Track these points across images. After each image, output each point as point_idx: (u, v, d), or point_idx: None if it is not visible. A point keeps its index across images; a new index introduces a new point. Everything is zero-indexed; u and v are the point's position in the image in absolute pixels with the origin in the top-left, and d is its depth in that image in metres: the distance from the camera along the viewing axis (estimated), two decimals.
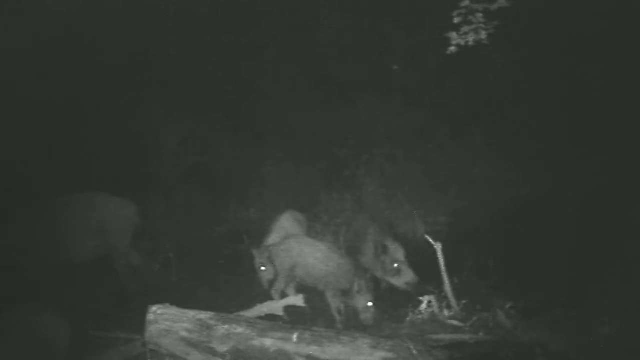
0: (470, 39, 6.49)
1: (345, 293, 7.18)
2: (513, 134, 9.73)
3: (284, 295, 7.37)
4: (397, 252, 7.76)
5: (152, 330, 5.71)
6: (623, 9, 8.57)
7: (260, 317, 6.33)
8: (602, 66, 9.15)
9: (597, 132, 9.08)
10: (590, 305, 7.02)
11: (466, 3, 6.41)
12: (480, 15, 6.41)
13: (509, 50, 9.30)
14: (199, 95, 10.38)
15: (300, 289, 7.46)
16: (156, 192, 9.48)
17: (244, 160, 10.41)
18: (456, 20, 6.49)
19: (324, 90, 10.71)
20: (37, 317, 5.46)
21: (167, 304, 5.86)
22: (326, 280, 7.25)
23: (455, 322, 6.79)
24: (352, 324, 7.08)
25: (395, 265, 7.70)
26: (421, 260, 7.69)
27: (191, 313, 5.78)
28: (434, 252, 7.11)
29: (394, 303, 7.60)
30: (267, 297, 7.24)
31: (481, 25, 6.43)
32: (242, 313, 6.47)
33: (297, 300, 6.99)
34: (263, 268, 7.41)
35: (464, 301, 7.00)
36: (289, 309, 6.88)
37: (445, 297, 7.06)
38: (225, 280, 8.55)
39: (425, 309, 6.98)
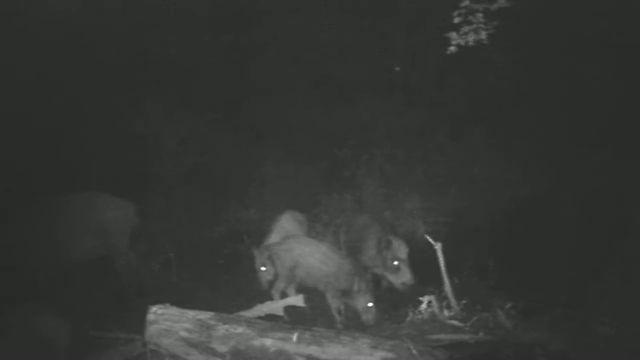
0: (470, 39, 6.49)
1: (345, 293, 7.18)
2: (513, 134, 9.73)
3: (284, 295, 7.38)
4: (400, 249, 7.77)
5: (152, 330, 5.70)
6: (623, 9, 8.57)
7: (260, 317, 6.32)
8: (602, 66, 9.16)
9: (597, 132, 9.09)
10: (590, 305, 7.02)
11: (466, 3, 6.41)
12: (480, 15, 6.41)
13: (509, 50, 9.30)
14: (199, 95, 10.38)
15: (300, 289, 7.46)
16: (156, 192, 9.48)
17: (244, 160, 10.41)
18: (456, 20, 6.49)
19: (324, 90, 10.72)
20: (37, 317, 5.46)
21: (167, 304, 5.85)
22: (326, 280, 7.25)
23: (455, 322, 6.78)
24: (352, 324, 7.08)
25: (396, 262, 7.71)
26: (421, 260, 7.69)
27: (191, 313, 5.77)
28: (434, 252, 7.11)
29: (394, 303, 7.60)
30: (267, 297, 7.24)
31: (481, 25, 6.43)
32: (242, 313, 6.47)
33: (297, 300, 6.99)
34: (263, 268, 7.42)
35: (464, 301, 6.99)
36: (289, 309, 6.88)
37: (445, 297, 7.05)
38: (225, 280, 8.55)
39: (425, 309, 6.97)
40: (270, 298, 7.22)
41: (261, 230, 8.61)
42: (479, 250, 8.08)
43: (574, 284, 7.40)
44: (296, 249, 7.43)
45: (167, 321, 5.70)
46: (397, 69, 8.95)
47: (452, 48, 6.57)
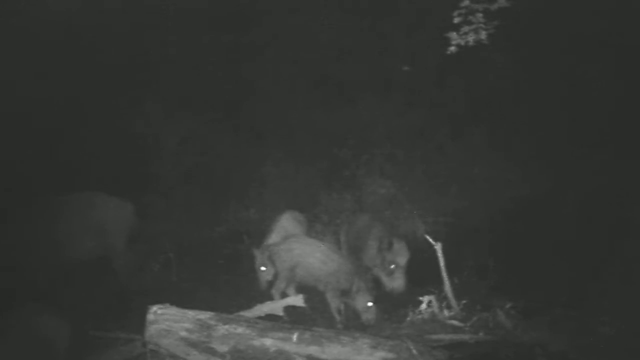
0: (470, 39, 6.49)
1: (345, 293, 7.18)
2: (513, 134, 9.73)
3: (284, 295, 7.37)
4: (400, 254, 7.74)
5: (152, 330, 5.70)
6: (623, 9, 8.57)
7: (260, 317, 6.32)
8: (602, 66, 9.16)
9: (597, 132, 9.08)
10: (590, 305, 7.02)
11: (466, 3, 6.41)
12: (480, 15, 6.41)
13: (509, 50, 9.30)
14: (199, 95, 10.38)
15: (300, 289, 7.45)
16: (156, 192, 9.47)
17: (244, 160, 10.41)
18: (456, 20, 6.49)
19: (324, 90, 10.71)
20: (37, 317, 5.46)
21: (167, 304, 5.85)
22: (326, 280, 7.25)
23: (455, 322, 6.79)
24: (352, 324, 7.08)
25: (392, 266, 7.69)
26: (421, 260, 7.68)
27: (191, 313, 5.78)
28: (434, 252, 7.11)
29: (394, 303, 7.60)
30: (267, 297, 7.24)
31: (481, 25, 6.43)
32: (242, 313, 6.46)
33: (297, 300, 6.98)
34: (263, 268, 7.42)
35: (464, 301, 7.00)
36: (289, 309, 6.88)
37: (445, 297, 7.06)
38: (225, 280, 8.55)
39: (425, 309, 6.97)
40: (270, 298, 7.22)
41: (261, 230, 8.62)
42: (479, 250, 8.07)
43: (574, 284, 7.40)
44: (296, 249, 7.43)
45: (167, 321, 5.70)
46: (406, 68, 8.92)
47: (452, 48, 6.58)
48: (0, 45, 8.52)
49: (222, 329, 5.63)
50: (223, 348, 5.57)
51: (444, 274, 7.06)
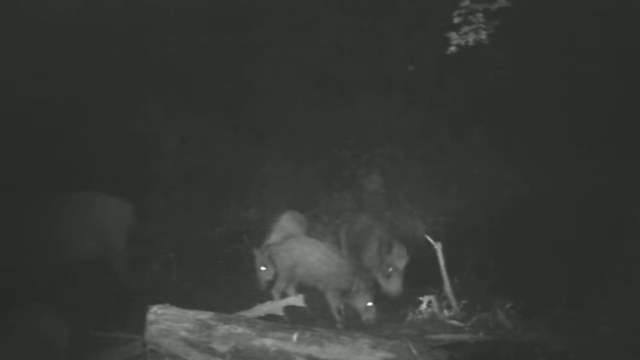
0: (470, 39, 6.48)
1: (345, 293, 7.18)
2: (513, 134, 9.73)
3: (284, 295, 7.37)
4: (399, 257, 7.72)
5: (152, 330, 5.70)
6: (623, 9, 8.57)
7: (260, 317, 6.32)
8: (602, 66, 9.16)
9: (597, 132, 9.08)
10: (590, 305, 7.02)
11: (466, 3, 6.40)
12: (480, 15, 6.40)
13: (509, 50, 9.30)
14: (199, 95, 10.38)
15: (300, 289, 7.45)
16: (156, 192, 9.48)
17: (244, 160, 10.41)
18: (456, 20, 6.49)
19: (324, 90, 10.72)
20: (37, 317, 5.46)
21: (167, 304, 5.85)
22: (326, 280, 7.24)
23: (455, 322, 6.79)
24: (352, 324, 7.08)
25: (390, 269, 7.67)
26: (421, 260, 7.68)
27: (191, 313, 5.78)
28: (434, 252, 7.11)
29: (394, 303, 7.60)
30: (267, 297, 7.24)
31: (481, 25, 6.42)
32: (242, 313, 6.46)
33: (297, 300, 6.98)
34: (263, 268, 7.42)
35: (464, 301, 7.00)
36: (289, 309, 6.88)
37: (445, 297, 7.06)
38: (225, 280, 8.55)
39: (425, 309, 6.97)
40: (270, 298, 7.21)
41: (261, 230, 8.61)
42: (479, 250, 8.07)
43: (574, 284, 7.40)
44: (296, 249, 7.42)
45: (167, 321, 5.70)
46: (411, 68, 8.93)
47: (452, 48, 6.57)
48: (0, 45, 8.51)
49: (222, 329, 5.63)
50: (223, 348, 5.57)
51: (444, 274, 7.06)
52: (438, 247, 7.10)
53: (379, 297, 7.46)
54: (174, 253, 8.51)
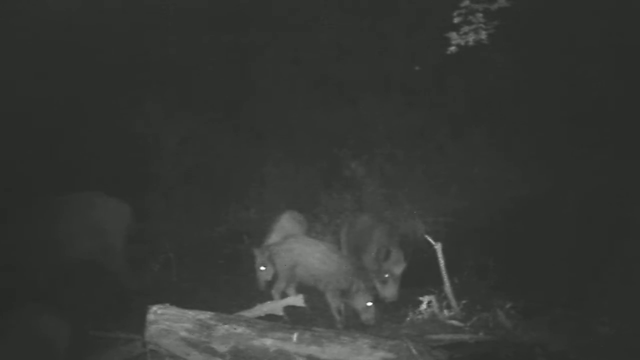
0: (470, 39, 6.48)
1: (345, 293, 7.18)
2: (513, 134, 9.73)
3: (284, 295, 7.37)
4: (397, 264, 7.68)
5: (152, 330, 5.70)
6: (623, 9, 8.57)
7: (260, 317, 6.32)
8: (602, 66, 9.16)
9: (597, 132, 9.08)
10: (590, 305, 7.02)
11: (466, 3, 6.40)
12: (480, 15, 6.40)
13: (509, 50, 9.30)
14: (199, 95, 10.38)
15: (300, 289, 7.45)
16: (156, 192, 9.48)
17: (244, 160, 10.42)
18: (456, 20, 6.49)
19: (324, 90, 10.72)
20: (37, 317, 5.46)
21: (167, 304, 5.85)
22: (326, 280, 7.25)
23: (455, 322, 6.79)
24: (352, 324, 7.08)
25: (387, 275, 7.66)
26: (421, 260, 7.68)
27: (191, 313, 5.77)
28: (434, 252, 7.11)
29: (393, 303, 7.59)
30: (267, 297, 7.24)
31: (481, 25, 6.42)
32: (242, 313, 6.47)
33: (297, 300, 6.98)
34: (262, 268, 7.42)
35: (464, 301, 7.00)
36: (289, 309, 6.88)
37: (445, 297, 7.05)
38: (225, 280, 8.55)
39: (425, 309, 6.97)
40: (270, 298, 7.22)
41: (261, 230, 8.61)
42: (479, 250, 8.07)
43: (574, 284, 7.40)
44: (296, 249, 7.43)
45: (167, 321, 5.70)
46: (417, 68, 8.93)
47: (452, 48, 6.57)
48: (0, 45, 8.52)
49: (222, 329, 5.63)
50: (223, 348, 5.57)
51: (444, 274, 7.05)
52: (438, 247, 7.10)
53: (379, 297, 7.46)
54: (174, 253, 8.52)
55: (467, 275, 7.69)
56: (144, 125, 9.68)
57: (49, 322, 5.48)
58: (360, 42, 10.66)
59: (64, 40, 9.29)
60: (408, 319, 7.00)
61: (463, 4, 6.41)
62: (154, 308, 5.78)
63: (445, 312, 6.94)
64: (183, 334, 5.64)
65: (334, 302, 7.24)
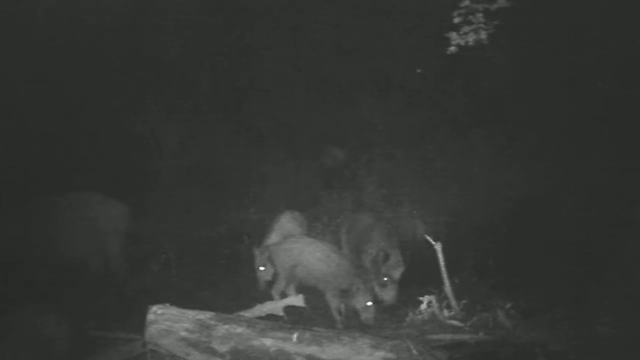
0: (470, 39, 6.48)
1: (345, 293, 7.17)
2: (513, 134, 9.73)
3: (284, 295, 7.37)
4: (395, 268, 7.66)
5: (152, 330, 5.70)
6: (623, 9, 8.57)
7: (260, 317, 6.32)
8: (602, 66, 9.15)
9: (597, 132, 9.08)
10: (590, 305, 7.01)
11: (466, 3, 6.41)
12: (480, 15, 6.41)
13: (509, 50, 9.30)
14: (199, 95, 10.39)
15: (300, 288, 7.45)
16: (156, 192, 9.47)
17: (244, 160, 10.42)
18: (456, 20, 6.49)
19: (324, 90, 10.73)
20: (38, 317, 5.46)
21: (167, 304, 5.85)
22: (326, 280, 7.24)
23: (455, 322, 6.78)
24: (352, 324, 7.08)
25: (385, 279, 7.65)
26: (421, 260, 7.68)
27: (191, 313, 5.77)
28: (434, 252, 7.11)
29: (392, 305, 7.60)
30: (267, 297, 7.24)
31: (481, 25, 6.43)
32: (242, 313, 6.46)
33: (297, 300, 6.98)
34: (262, 268, 7.42)
35: (464, 301, 6.99)
36: (289, 309, 6.88)
37: (445, 297, 7.05)
38: (225, 280, 8.54)
39: (425, 309, 6.97)
40: (270, 298, 7.22)
41: (261, 230, 8.61)
42: (479, 250, 8.07)
43: (574, 283, 7.39)
44: (296, 249, 7.42)
45: (167, 321, 5.70)
46: (419, 70, 8.91)
47: (452, 48, 6.57)
48: (0, 45, 8.52)
49: (222, 329, 5.63)
50: (223, 348, 5.56)
51: (444, 274, 7.05)
52: (438, 247, 7.09)
53: (377, 299, 7.46)
54: (174, 253, 8.51)
55: (467, 275, 7.69)
56: (144, 125, 9.68)
57: (49, 322, 5.48)
58: (360, 42, 10.66)
59: (65, 40, 9.29)
60: (408, 319, 6.99)
61: (463, 4, 6.42)
62: (154, 308, 5.78)
63: (445, 312, 6.93)
64: (183, 334, 5.64)
65: (334, 302, 7.23)
